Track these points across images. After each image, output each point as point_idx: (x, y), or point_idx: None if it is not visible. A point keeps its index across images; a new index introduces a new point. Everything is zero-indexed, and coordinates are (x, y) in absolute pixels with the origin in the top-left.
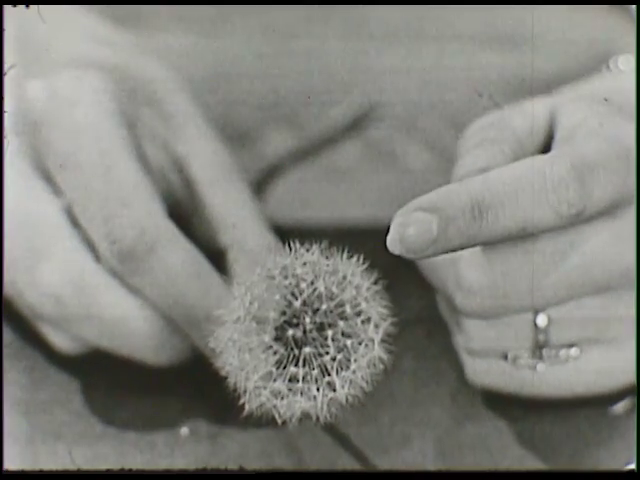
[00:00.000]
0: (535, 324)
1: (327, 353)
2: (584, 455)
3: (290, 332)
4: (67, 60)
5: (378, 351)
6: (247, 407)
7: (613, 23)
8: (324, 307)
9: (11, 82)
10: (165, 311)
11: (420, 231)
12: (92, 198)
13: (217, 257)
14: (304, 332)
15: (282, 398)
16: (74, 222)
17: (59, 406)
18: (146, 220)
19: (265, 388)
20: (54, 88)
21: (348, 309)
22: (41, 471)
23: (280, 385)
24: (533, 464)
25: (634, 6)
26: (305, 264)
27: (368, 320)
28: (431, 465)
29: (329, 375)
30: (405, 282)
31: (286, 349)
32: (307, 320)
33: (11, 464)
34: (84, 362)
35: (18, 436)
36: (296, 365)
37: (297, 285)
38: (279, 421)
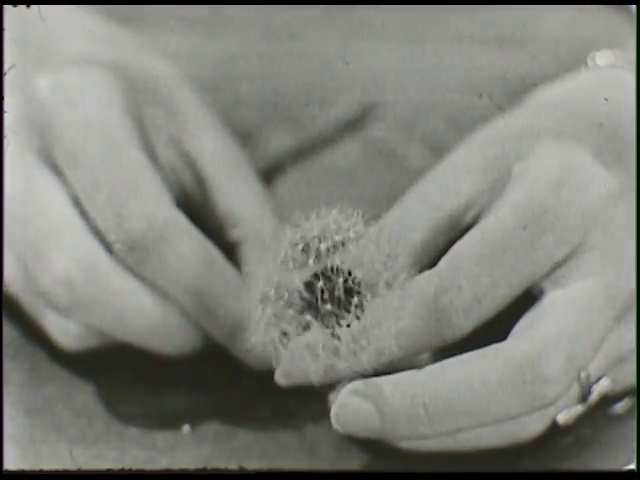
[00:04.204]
0: (578, 376)
1: (344, 318)
2: (584, 455)
3: (320, 284)
4: (73, 58)
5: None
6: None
7: (597, 19)
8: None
9: (18, 79)
10: (176, 300)
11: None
12: (101, 191)
13: (228, 251)
14: (331, 292)
15: (288, 340)
16: (83, 214)
17: (60, 404)
18: (155, 211)
19: (277, 326)
20: (62, 85)
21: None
22: (41, 471)
23: (291, 327)
24: (533, 464)
25: (634, 6)
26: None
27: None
28: (431, 465)
29: (339, 340)
30: None
31: (311, 299)
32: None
33: (11, 464)
34: (86, 360)
35: (18, 436)
36: (315, 316)
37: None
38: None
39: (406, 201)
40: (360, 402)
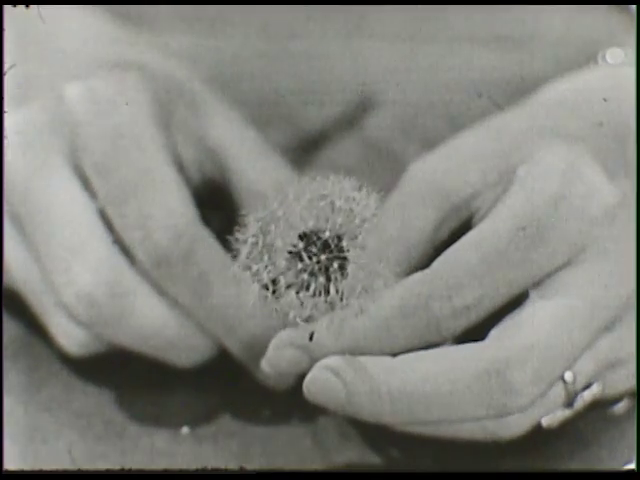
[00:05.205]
0: (564, 381)
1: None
2: (584, 455)
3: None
4: (101, 62)
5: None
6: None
7: (597, 19)
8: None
9: (47, 84)
10: (197, 316)
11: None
12: (129, 204)
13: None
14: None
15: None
16: (108, 225)
17: (60, 405)
18: (182, 226)
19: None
20: (93, 90)
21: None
22: (41, 471)
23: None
24: (533, 464)
25: (634, 6)
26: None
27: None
28: (431, 465)
29: (305, 289)
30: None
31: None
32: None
33: (11, 464)
34: (86, 360)
35: (19, 436)
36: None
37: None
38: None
39: (410, 183)
40: (330, 377)
